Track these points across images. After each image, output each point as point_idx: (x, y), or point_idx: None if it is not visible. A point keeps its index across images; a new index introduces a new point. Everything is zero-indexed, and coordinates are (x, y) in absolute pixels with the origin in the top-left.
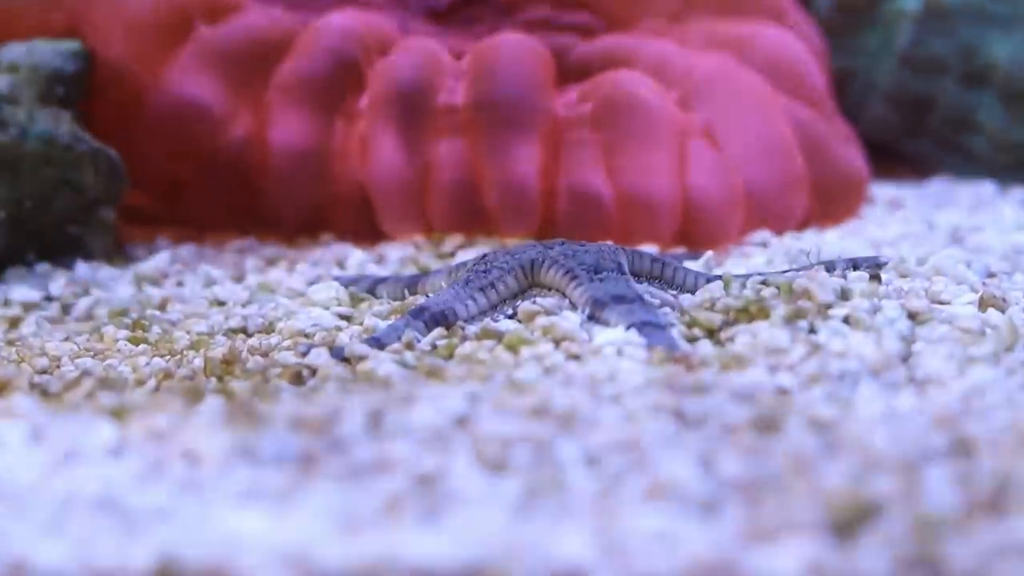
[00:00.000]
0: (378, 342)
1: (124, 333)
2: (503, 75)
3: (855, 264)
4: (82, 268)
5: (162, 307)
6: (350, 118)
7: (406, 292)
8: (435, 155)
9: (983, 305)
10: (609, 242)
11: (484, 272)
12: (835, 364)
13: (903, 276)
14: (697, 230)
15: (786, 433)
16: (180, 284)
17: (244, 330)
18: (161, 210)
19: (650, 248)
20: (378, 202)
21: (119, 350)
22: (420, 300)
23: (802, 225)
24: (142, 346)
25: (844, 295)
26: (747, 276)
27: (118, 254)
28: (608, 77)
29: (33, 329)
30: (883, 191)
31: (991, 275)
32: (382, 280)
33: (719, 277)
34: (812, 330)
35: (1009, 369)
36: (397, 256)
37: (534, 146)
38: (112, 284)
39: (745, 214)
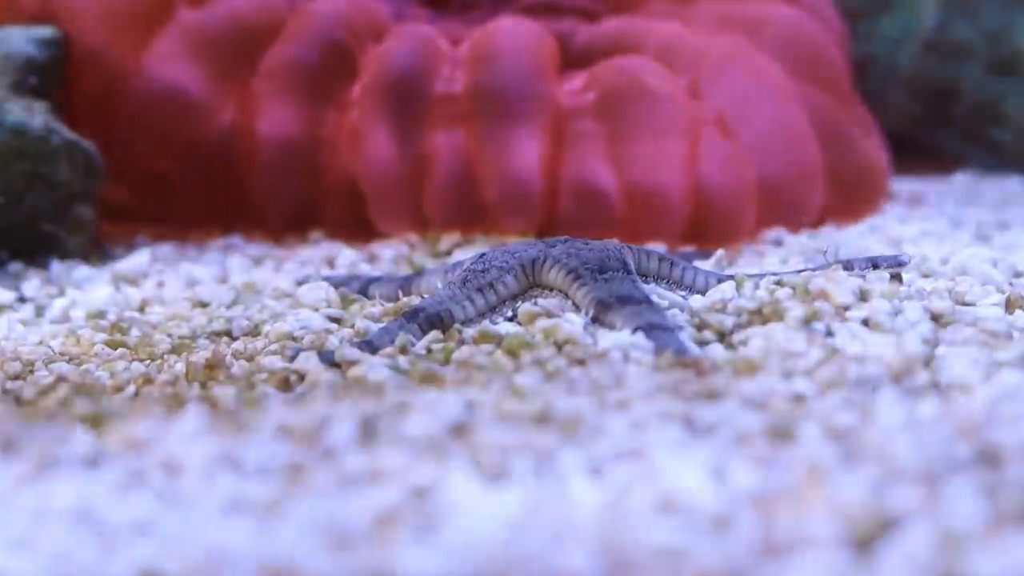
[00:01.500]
0: (370, 346)
1: (101, 336)
2: (503, 62)
3: (875, 263)
4: (57, 267)
5: (142, 309)
6: (342, 108)
7: (400, 293)
8: (431, 147)
9: (1010, 306)
10: (614, 240)
11: (482, 272)
12: (853, 369)
13: (926, 276)
14: (708, 226)
15: (801, 442)
16: (161, 284)
17: (228, 333)
18: (141, 206)
19: (658, 246)
20: (371, 196)
21: (96, 354)
22: (415, 301)
23: (819, 221)
24: (120, 350)
25: (863, 296)
26: (760, 276)
27: (95, 252)
28: (614, 63)
29: (5, 332)
30: (905, 186)
31: (1018, 275)
32: (375, 280)
33: (731, 277)
34: (829, 333)
35: None
36: (390, 255)
37: (536, 137)
38: (89, 284)
39: (759, 209)
